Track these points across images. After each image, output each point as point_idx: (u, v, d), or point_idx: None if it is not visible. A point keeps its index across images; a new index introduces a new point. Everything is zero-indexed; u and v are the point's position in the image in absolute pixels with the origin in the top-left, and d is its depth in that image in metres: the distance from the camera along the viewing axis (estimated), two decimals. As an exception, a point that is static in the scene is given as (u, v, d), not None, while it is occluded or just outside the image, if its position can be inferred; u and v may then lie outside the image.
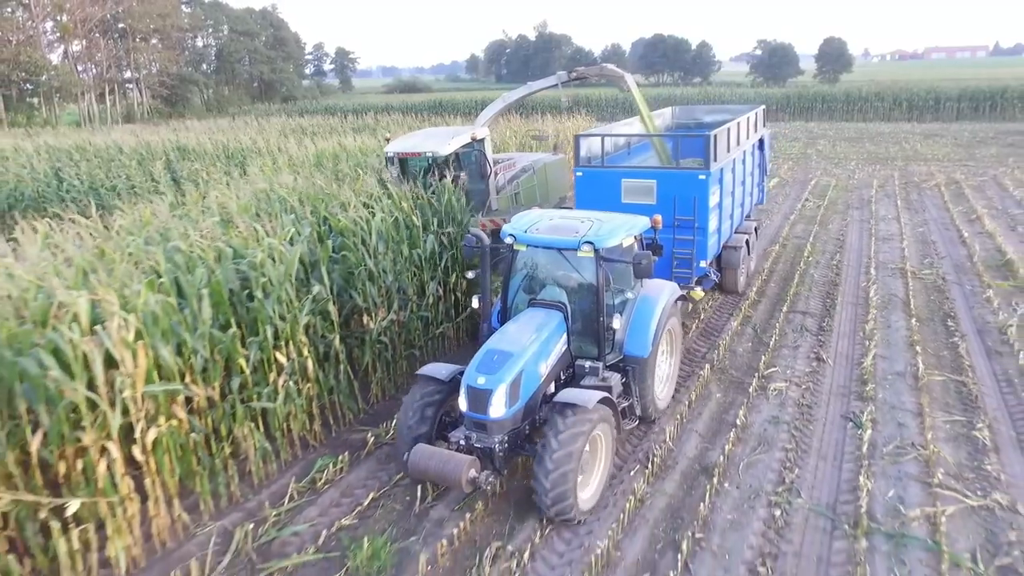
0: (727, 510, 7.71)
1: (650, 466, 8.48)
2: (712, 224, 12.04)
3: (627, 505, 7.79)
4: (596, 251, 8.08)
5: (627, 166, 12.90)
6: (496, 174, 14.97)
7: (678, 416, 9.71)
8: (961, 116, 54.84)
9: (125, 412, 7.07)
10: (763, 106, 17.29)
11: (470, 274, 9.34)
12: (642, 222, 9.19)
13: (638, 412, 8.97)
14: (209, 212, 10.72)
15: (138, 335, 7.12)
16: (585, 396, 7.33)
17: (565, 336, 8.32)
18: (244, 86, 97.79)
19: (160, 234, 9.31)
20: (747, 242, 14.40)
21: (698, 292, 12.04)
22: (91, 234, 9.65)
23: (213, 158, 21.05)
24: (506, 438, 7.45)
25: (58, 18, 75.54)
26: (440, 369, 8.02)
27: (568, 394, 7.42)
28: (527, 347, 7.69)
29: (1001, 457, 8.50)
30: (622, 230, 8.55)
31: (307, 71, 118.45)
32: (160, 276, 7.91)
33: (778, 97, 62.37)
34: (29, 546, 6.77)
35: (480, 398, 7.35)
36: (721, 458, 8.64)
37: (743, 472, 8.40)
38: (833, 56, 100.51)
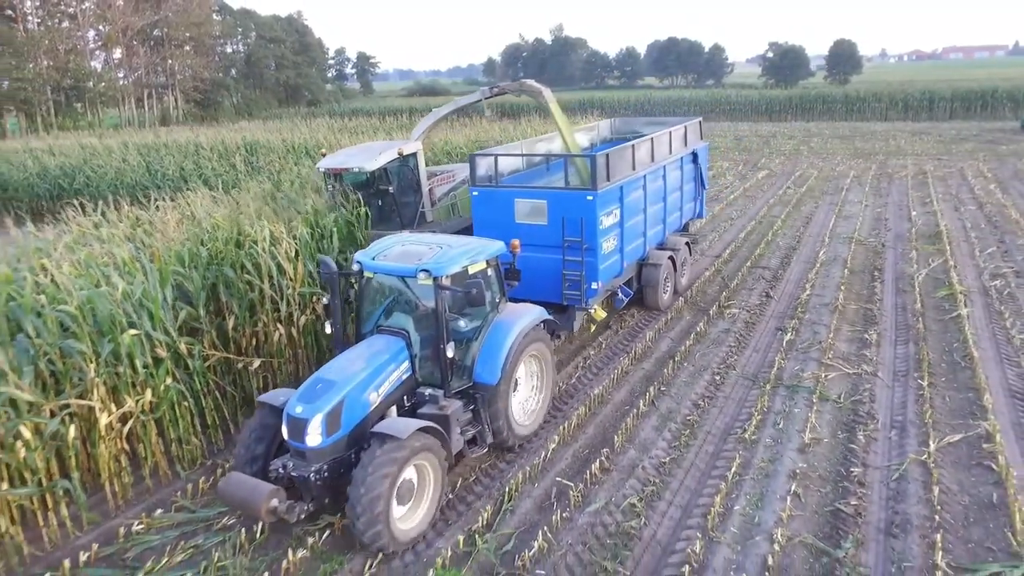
0: (683, 376, 11.47)
1: (633, 353, 12.26)
2: (607, 245, 11.86)
3: (615, 374, 11.56)
4: (435, 279, 8.02)
5: (520, 186, 12.54)
6: (432, 187, 15.32)
7: (656, 328, 13.44)
8: (954, 115, 58.11)
9: (287, 305, 10.94)
10: (699, 119, 17.57)
11: (324, 299, 9.03)
12: (493, 247, 9.09)
13: (488, 439, 8.84)
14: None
15: (296, 254, 11.01)
16: (400, 426, 7.34)
17: (407, 364, 8.35)
18: (271, 90, 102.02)
19: (286, 195, 13.22)
20: (672, 258, 14.37)
21: (599, 312, 12.38)
22: (217, 201, 13.61)
23: (280, 152, 24.95)
24: (325, 467, 7.40)
25: (101, 27, 79.97)
26: (279, 396, 8.02)
27: (383, 424, 7.47)
28: (354, 375, 7.73)
29: (880, 350, 12.16)
30: (465, 257, 8.50)
31: (329, 75, 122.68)
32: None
33: (782, 99, 65.81)
34: (227, 390, 10.57)
35: (297, 427, 7.37)
36: (683, 349, 12.39)
37: (698, 358, 12.14)
38: (843, 58, 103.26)
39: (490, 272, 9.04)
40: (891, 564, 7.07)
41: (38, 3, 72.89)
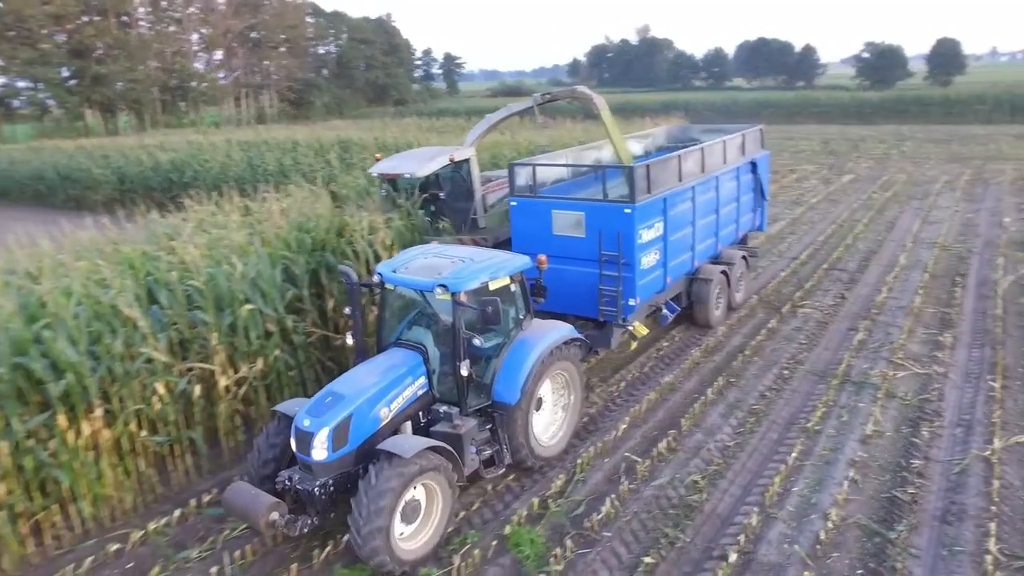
0: (752, 369, 11.90)
1: (704, 347, 12.76)
2: (648, 260, 11.32)
3: (686, 364, 12.09)
4: (452, 294, 7.87)
5: (558, 197, 12.00)
6: (485, 193, 15.05)
7: (729, 324, 13.86)
8: (1071, 117, 54.95)
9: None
10: (760, 127, 16.59)
11: (347, 310, 8.93)
12: (517, 262, 8.85)
13: (507, 460, 8.63)
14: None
15: (392, 243, 11.99)
16: (406, 445, 7.22)
17: (424, 379, 8.23)
18: (360, 90, 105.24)
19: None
20: (725, 273, 13.80)
21: (640, 329, 11.75)
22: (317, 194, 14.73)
23: (373, 149, 26.23)
24: (331, 482, 7.36)
25: (204, 31, 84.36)
26: (293, 405, 7.94)
27: (390, 441, 7.36)
28: (365, 390, 7.66)
29: (954, 353, 12.26)
30: (485, 272, 8.28)
31: (416, 75, 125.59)
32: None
33: (875, 101, 63.97)
34: (325, 364, 11.57)
35: (304, 440, 7.32)
36: (753, 344, 12.80)
37: (768, 353, 12.52)
38: (945, 57, 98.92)
39: (513, 288, 8.74)
40: (943, 548, 7.42)
41: (149, 9, 77.39)
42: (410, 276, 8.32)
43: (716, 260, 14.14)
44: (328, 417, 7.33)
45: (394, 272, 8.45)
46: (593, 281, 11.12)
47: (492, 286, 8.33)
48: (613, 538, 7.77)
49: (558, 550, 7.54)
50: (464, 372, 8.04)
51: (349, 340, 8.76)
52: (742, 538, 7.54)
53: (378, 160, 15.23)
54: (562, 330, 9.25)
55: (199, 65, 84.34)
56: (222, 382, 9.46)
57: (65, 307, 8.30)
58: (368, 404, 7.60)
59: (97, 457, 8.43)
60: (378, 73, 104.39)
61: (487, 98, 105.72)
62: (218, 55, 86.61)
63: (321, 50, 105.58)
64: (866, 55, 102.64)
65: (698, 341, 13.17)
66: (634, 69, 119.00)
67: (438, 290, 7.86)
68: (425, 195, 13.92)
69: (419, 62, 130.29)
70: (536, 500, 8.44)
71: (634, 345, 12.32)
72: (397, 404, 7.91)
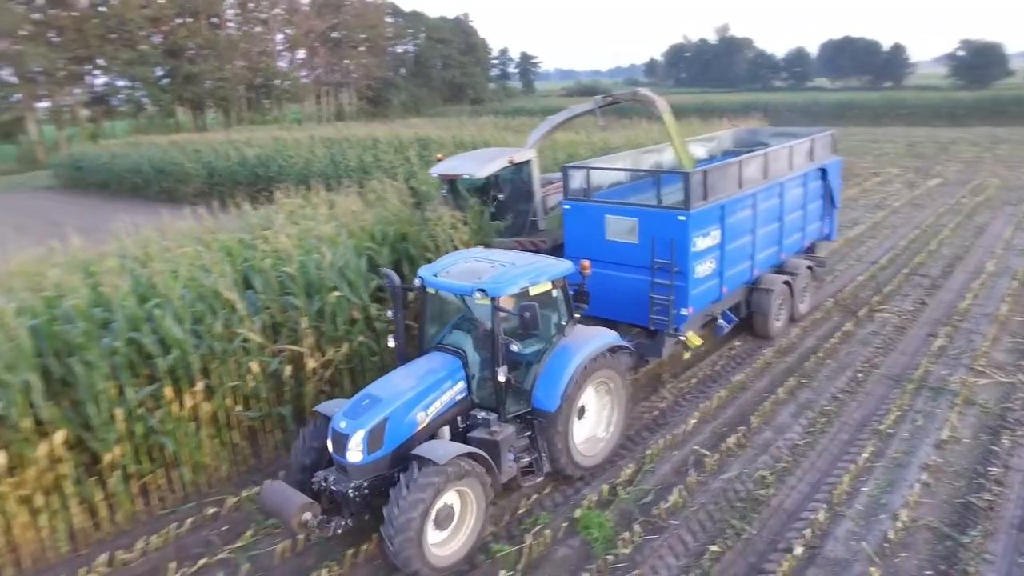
0: (825, 371, 11.86)
1: (777, 347, 12.77)
2: (702, 268, 11.07)
3: (757, 364, 12.13)
4: (491, 299, 7.78)
5: (611, 201, 11.69)
6: (546, 195, 14.90)
7: (803, 327, 13.79)
8: None
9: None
10: (831, 131, 15.88)
11: (390, 312, 8.91)
12: (560, 267, 8.72)
13: (546, 468, 8.52)
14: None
15: (471, 237, 12.43)
16: (441, 451, 7.19)
17: (463, 384, 8.19)
18: (437, 89, 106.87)
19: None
20: (788, 283, 13.28)
21: (694, 339, 11.41)
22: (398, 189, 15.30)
23: (451, 147, 26.88)
24: (365, 484, 7.37)
25: (288, 31, 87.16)
26: (334, 406, 8.00)
27: (424, 447, 7.37)
28: (402, 394, 7.67)
29: (1040, 361, 11.93)
30: (525, 277, 8.15)
31: (492, 74, 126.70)
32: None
33: (968, 101, 61.38)
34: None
35: (340, 441, 7.37)
36: (827, 347, 12.73)
37: (842, 356, 12.43)
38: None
39: (555, 293, 8.60)
40: (1019, 555, 7.35)
41: (237, 10, 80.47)
42: (450, 280, 8.26)
43: (779, 269, 13.69)
44: (364, 420, 7.35)
45: (435, 276, 8.42)
46: (645, 289, 10.90)
47: (533, 291, 8.20)
48: (680, 526, 7.99)
49: (626, 534, 7.82)
50: (501, 378, 7.93)
51: (391, 343, 8.79)
52: (808, 532, 7.65)
53: (440, 160, 15.26)
54: (606, 337, 9.10)
55: (282, 64, 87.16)
56: (310, 364, 10.06)
57: (173, 289, 9.03)
58: (404, 408, 7.60)
59: (197, 428, 9.15)
60: (455, 72, 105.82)
61: (562, 97, 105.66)
62: (301, 54, 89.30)
63: (399, 49, 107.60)
64: (961, 53, 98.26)
65: (770, 342, 13.16)
66: (712, 69, 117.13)
67: (477, 295, 7.81)
68: (484, 197, 13.93)
69: (495, 61, 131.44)
70: (606, 487, 8.72)
71: (687, 355, 11.88)
72: (434, 408, 7.87)
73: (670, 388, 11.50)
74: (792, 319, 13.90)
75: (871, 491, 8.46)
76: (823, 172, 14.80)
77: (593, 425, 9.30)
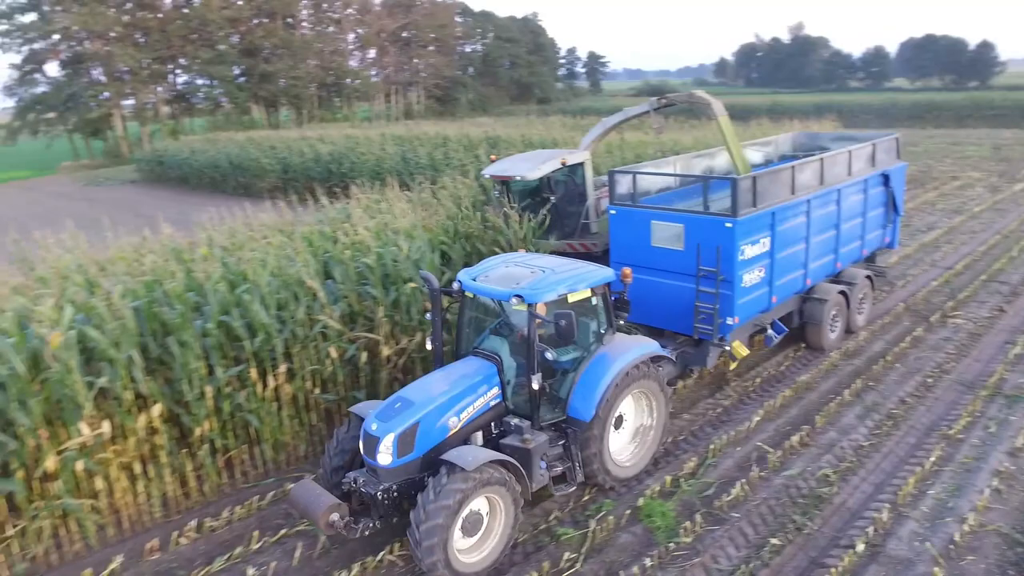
0: (893, 375, 11.74)
1: (844, 350, 12.69)
2: (750, 277, 10.71)
3: (823, 365, 12.11)
4: (528, 305, 7.68)
5: (657, 207, 11.48)
6: (599, 198, 14.61)
7: (872, 330, 13.64)
8: None
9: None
10: (895, 135, 15.13)
11: (428, 315, 8.92)
12: (600, 274, 8.53)
13: (579, 478, 8.35)
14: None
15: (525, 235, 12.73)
16: (469, 457, 7.12)
17: (497, 390, 8.10)
18: (504, 88, 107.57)
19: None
20: (844, 293, 12.83)
21: (740, 349, 11.05)
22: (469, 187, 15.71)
23: (520, 146, 27.26)
24: (395, 487, 7.37)
25: (359, 30, 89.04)
26: (367, 408, 8.07)
27: (454, 452, 7.29)
28: (434, 398, 7.65)
29: (1123, 372, 11.56)
30: (564, 284, 8.03)
31: (560, 74, 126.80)
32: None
33: (1059, 103, 58.55)
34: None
35: (371, 444, 7.40)
36: (896, 351, 12.58)
37: (911, 361, 12.28)
38: None
39: (595, 301, 8.50)
40: (1091, 563, 7.26)
41: (311, 11, 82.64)
42: (488, 285, 8.18)
43: (836, 279, 13.20)
44: (395, 423, 7.36)
45: (474, 280, 8.35)
46: (690, 297, 10.65)
47: (571, 298, 8.09)
48: (741, 519, 8.13)
49: (688, 524, 8.02)
50: (535, 386, 7.82)
51: (428, 345, 8.80)
52: (871, 531, 7.70)
53: (493, 161, 15.11)
54: (646, 347, 8.94)
55: (353, 63, 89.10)
56: (384, 351, 10.52)
57: (261, 276, 9.60)
58: (437, 412, 7.57)
59: (279, 408, 9.71)
60: (522, 71, 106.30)
61: (630, 97, 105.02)
62: (371, 53, 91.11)
63: (468, 48, 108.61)
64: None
65: (837, 344, 13.07)
66: (785, 69, 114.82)
67: (514, 300, 7.72)
68: (537, 199, 13.78)
69: (563, 61, 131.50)
70: (669, 478, 8.93)
71: (733, 365, 11.70)
72: (467, 414, 7.81)
73: (735, 386, 11.57)
74: (848, 331, 13.37)
75: (937, 494, 8.43)
76: (885, 178, 14.11)
77: (631, 435, 9.19)
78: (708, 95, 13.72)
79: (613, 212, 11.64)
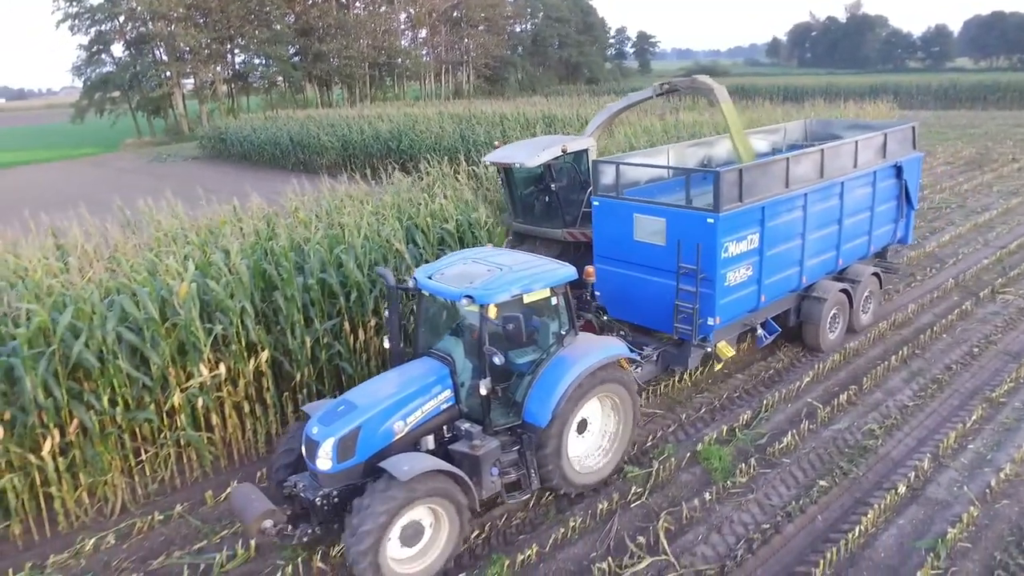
0: (939, 345, 12.32)
1: (892, 320, 13.29)
2: (734, 276, 10.15)
3: (872, 335, 12.73)
4: (480, 306, 7.38)
5: (640, 200, 10.81)
6: None
7: (920, 303, 14.16)
8: None
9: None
10: (912, 124, 14.33)
11: (386, 312, 8.69)
12: (559, 273, 8.12)
13: (535, 485, 8.01)
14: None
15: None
16: (405, 466, 6.79)
17: (449, 392, 7.83)
18: (553, 68, 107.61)
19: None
20: (846, 291, 12.23)
21: (725, 349, 10.66)
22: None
23: (576, 125, 27.97)
24: (335, 493, 7.15)
25: (411, 10, 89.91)
26: (318, 406, 7.89)
27: (391, 460, 6.98)
28: (379, 402, 7.42)
29: None
30: (518, 283, 7.67)
31: (609, 54, 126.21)
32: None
33: None
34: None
35: (311, 448, 7.21)
36: (944, 323, 13.13)
37: (958, 332, 12.82)
38: None
39: (555, 300, 8.12)
40: (1120, 511, 7.87)
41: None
42: (441, 284, 7.86)
43: (839, 276, 12.60)
44: (336, 427, 7.15)
45: (429, 278, 8.04)
46: (671, 295, 10.15)
47: (527, 299, 7.77)
48: (792, 464, 8.92)
49: (743, 466, 8.86)
50: (483, 391, 7.58)
51: (386, 343, 8.57)
52: (912, 475, 8.43)
53: (496, 148, 14.58)
54: (610, 349, 8.55)
55: (404, 43, 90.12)
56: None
57: (356, 238, 10.63)
58: (381, 416, 7.33)
59: (368, 359, 10.74)
60: (571, 51, 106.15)
61: (679, 78, 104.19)
62: (422, 33, 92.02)
63: (518, 28, 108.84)
64: None
65: (886, 315, 13.61)
66: (840, 49, 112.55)
67: (464, 300, 7.45)
68: (539, 187, 13.49)
69: (612, 40, 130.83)
70: (725, 428, 9.76)
71: (719, 366, 11.35)
72: (415, 418, 7.56)
73: (785, 351, 12.26)
74: (852, 330, 12.72)
75: (977, 448, 9.09)
76: (898, 170, 13.28)
77: (596, 441, 8.82)
78: (711, 80, 13.23)
79: (596, 204, 11.15)
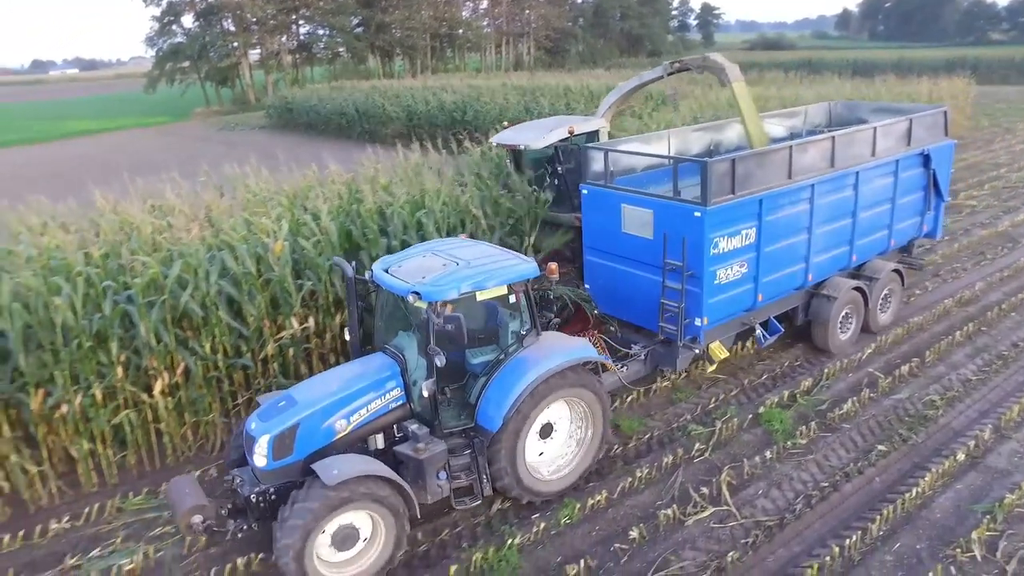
0: (1007, 322, 12.35)
1: (959, 298, 13.32)
2: (725, 274, 9.43)
3: (936, 311, 12.82)
4: (429, 304, 7.03)
5: (629, 190, 10.13)
6: None
7: (989, 282, 14.11)
8: None
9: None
10: (943, 108, 12.91)
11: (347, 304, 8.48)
12: (519, 270, 7.67)
13: (487, 491, 7.69)
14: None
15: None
16: (335, 470, 6.61)
17: (399, 391, 7.56)
18: (614, 40, 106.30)
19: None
20: (861, 289, 11.32)
21: (718, 351, 9.96)
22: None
23: (641, 98, 28.04)
24: (272, 491, 7.03)
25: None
26: (270, 397, 7.82)
27: (322, 463, 6.78)
28: (320, 399, 7.23)
29: None
30: (471, 280, 7.29)
31: (671, 26, 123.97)
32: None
33: None
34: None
35: (249, 444, 7.09)
36: (1014, 300, 13.16)
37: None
38: None
39: (513, 299, 7.68)
40: None
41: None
42: (392, 278, 7.50)
43: (855, 272, 11.74)
44: (273, 424, 7.02)
45: (386, 271, 7.70)
46: (656, 291, 9.58)
47: (481, 296, 7.38)
48: (852, 429, 9.25)
49: (803, 428, 9.23)
50: (426, 392, 7.31)
51: (347, 336, 8.37)
52: (972, 444, 8.67)
53: (505, 128, 14.04)
54: (575, 351, 8.07)
55: (466, 14, 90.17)
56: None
57: (435, 203, 11.20)
58: (321, 414, 7.15)
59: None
60: (633, 23, 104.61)
61: (743, 51, 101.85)
62: (483, 4, 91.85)
63: (579, 0, 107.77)
64: None
65: (952, 293, 13.59)
66: (915, 21, 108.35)
67: (411, 297, 7.08)
68: (548, 170, 12.99)
69: (675, 12, 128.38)
70: (786, 393, 10.11)
71: (712, 368, 10.70)
72: (360, 416, 7.34)
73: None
74: (868, 331, 11.84)
75: (1040, 422, 9.25)
76: (926, 158, 12.11)
77: (561, 448, 8.37)
78: (723, 59, 12.29)
79: (585, 192, 10.56)
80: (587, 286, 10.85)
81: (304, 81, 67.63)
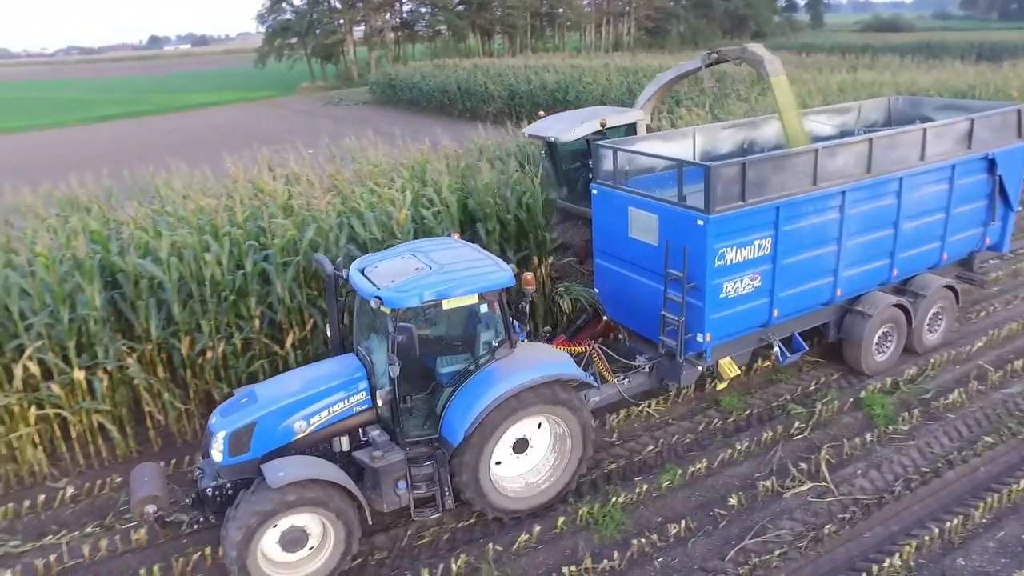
0: None
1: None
2: (732, 287, 8.69)
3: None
4: (392, 310, 6.84)
5: (636, 192, 9.44)
6: None
7: None
8: None
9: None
10: (1018, 107, 11.31)
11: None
12: (493, 279, 7.32)
13: (448, 504, 7.47)
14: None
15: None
16: (280, 472, 6.55)
17: (364, 394, 7.41)
18: (717, 21, 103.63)
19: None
20: (903, 307, 10.33)
21: (728, 368, 9.35)
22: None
23: (747, 82, 27.62)
24: (229, 485, 7.02)
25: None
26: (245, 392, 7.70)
27: (270, 464, 6.74)
28: (280, 398, 7.18)
29: None
30: (435, 288, 7.01)
31: (778, 6, 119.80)
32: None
33: None
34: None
35: (208, 438, 7.13)
36: None
37: None
38: None
39: (485, 308, 7.37)
40: None
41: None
42: (360, 280, 7.33)
43: (900, 288, 10.75)
44: (231, 420, 7.03)
45: (362, 271, 7.51)
46: (658, 301, 9.01)
47: (448, 304, 7.11)
48: (956, 419, 9.25)
49: (905, 414, 9.31)
50: (379, 400, 7.28)
51: (329, 332, 8.30)
52: (1085, 440, 8.56)
53: (541, 118, 13.35)
54: (551, 366, 7.65)
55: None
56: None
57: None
58: (279, 414, 7.10)
59: (544, 297, 11.84)
60: (737, 3, 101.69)
61: (855, 33, 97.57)
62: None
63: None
64: None
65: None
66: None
67: (373, 302, 6.88)
68: (582, 162, 12.37)
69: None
70: (889, 380, 10.17)
71: (722, 385, 9.89)
72: (320, 418, 7.24)
73: (958, 317, 12.20)
74: (912, 351, 10.89)
75: None
76: (991, 163, 10.85)
77: (536, 464, 8.02)
78: (764, 50, 11.42)
79: (595, 192, 10.04)
80: (596, 291, 10.47)
81: (405, 58, 69.30)
